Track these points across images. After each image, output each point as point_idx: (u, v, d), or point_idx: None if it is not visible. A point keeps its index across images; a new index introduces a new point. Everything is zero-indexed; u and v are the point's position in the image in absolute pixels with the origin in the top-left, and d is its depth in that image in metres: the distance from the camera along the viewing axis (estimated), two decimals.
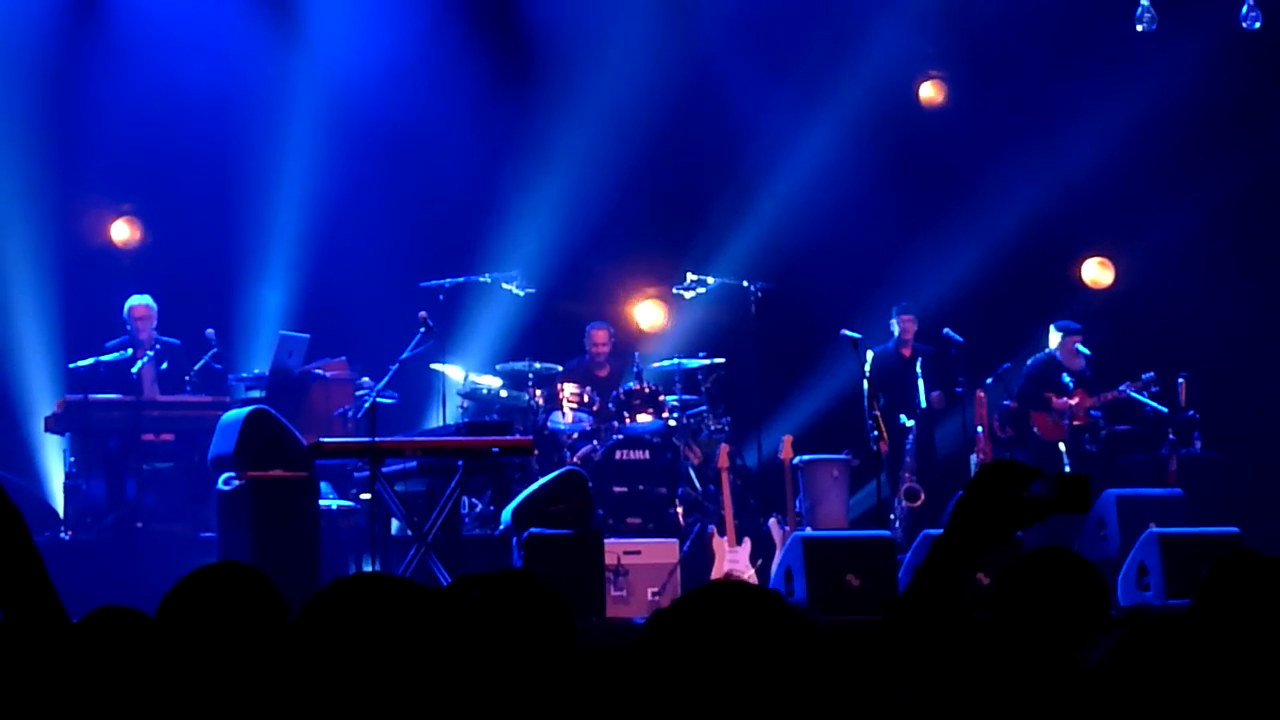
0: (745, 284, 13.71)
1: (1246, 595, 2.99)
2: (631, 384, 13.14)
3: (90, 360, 12.41)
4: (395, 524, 11.15)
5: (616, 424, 12.88)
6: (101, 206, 14.38)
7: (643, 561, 11.06)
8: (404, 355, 11.66)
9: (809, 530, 11.70)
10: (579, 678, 2.90)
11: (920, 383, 13.41)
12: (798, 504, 12.31)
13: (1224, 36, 13.58)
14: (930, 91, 15.55)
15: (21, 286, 13.59)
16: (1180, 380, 13.47)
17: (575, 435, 12.93)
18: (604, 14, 14.64)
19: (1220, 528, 11.05)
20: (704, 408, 13.44)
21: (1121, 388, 13.40)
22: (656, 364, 13.80)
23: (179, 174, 14.03)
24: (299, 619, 2.32)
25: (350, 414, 12.41)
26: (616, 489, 12.47)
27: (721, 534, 11.71)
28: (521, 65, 14.80)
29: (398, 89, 14.56)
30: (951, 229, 14.92)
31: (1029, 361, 13.71)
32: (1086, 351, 13.67)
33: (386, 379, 11.67)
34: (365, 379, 12.63)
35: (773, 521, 12.05)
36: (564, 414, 12.94)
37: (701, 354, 13.64)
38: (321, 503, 10.45)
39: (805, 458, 12.52)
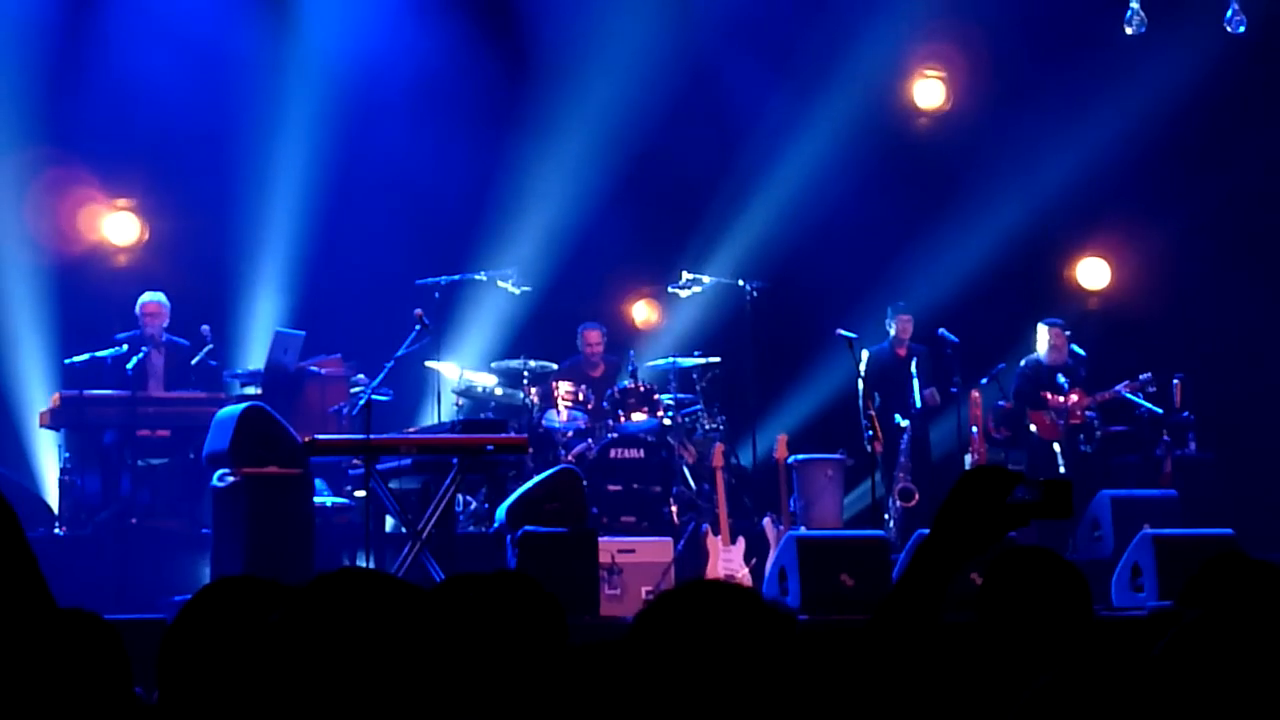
0: (740, 283, 13.73)
1: (1232, 597, 3.00)
2: (626, 382, 13.15)
3: (85, 356, 12.41)
4: (390, 521, 11.16)
5: (611, 422, 12.89)
6: (98, 202, 14.37)
7: (637, 560, 11.06)
8: (399, 352, 11.66)
9: (803, 530, 11.70)
10: (568, 676, 2.91)
11: (915, 383, 13.42)
12: (792, 503, 12.31)
13: (1213, 39, 13.59)
14: (925, 91, 15.57)
15: (18, 282, 13.58)
16: (1175, 381, 13.50)
17: (570, 433, 12.94)
18: (600, 12, 14.64)
19: (1214, 529, 11.06)
20: (699, 406, 13.45)
21: (1117, 388, 13.41)
22: (651, 362, 13.82)
23: (176, 170, 14.03)
24: (284, 613, 2.32)
25: (345, 411, 12.43)
26: (611, 487, 12.47)
27: (716, 533, 11.72)
28: (518, 63, 14.80)
29: (394, 85, 14.57)
30: (946, 229, 14.92)
31: (1023, 362, 13.72)
32: (1081, 352, 13.68)
33: (382, 376, 11.67)
34: (360, 376, 12.64)
35: (767, 521, 12.05)
36: (559, 412, 12.94)
37: (696, 353, 13.66)
38: (316, 499, 10.46)
39: (800, 457, 12.53)
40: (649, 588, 10.91)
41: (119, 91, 13.84)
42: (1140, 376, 13.39)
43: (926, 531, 2.74)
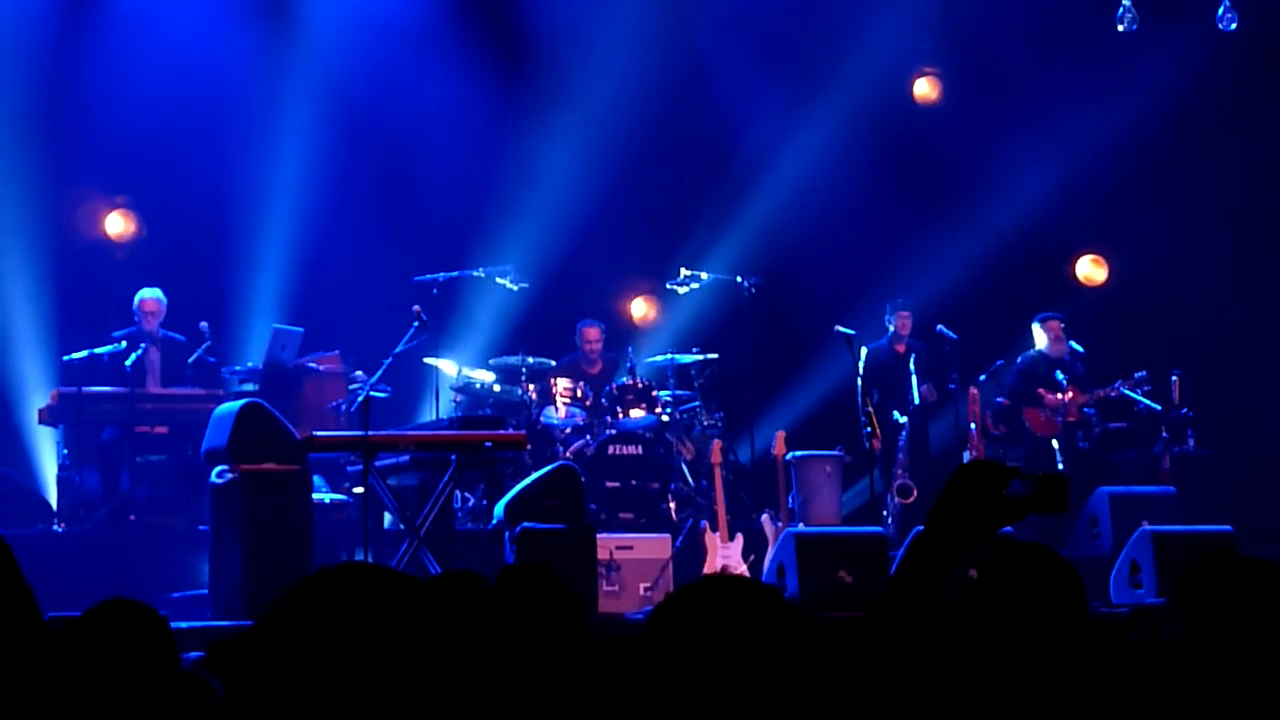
0: (739, 279, 13.73)
1: (1224, 595, 2.99)
2: (625, 379, 13.15)
3: (84, 353, 12.41)
4: (388, 518, 11.15)
5: (609, 419, 12.89)
6: (96, 199, 14.38)
7: (635, 556, 11.07)
8: (397, 349, 11.67)
9: (801, 526, 11.70)
10: (587, 670, 2.91)
11: (914, 379, 13.43)
12: (790, 500, 12.31)
13: (1205, 37, 13.60)
14: (924, 88, 15.58)
15: (16, 279, 13.58)
16: (1174, 378, 13.50)
17: (568, 430, 12.94)
18: (598, 9, 14.64)
19: (1213, 525, 11.06)
20: (697, 403, 13.45)
21: (1115, 385, 13.41)
22: (650, 359, 13.82)
23: (174, 167, 14.02)
24: (281, 607, 2.32)
25: (343, 408, 12.43)
26: (609, 484, 12.47)
27: (714, 529, 11.72)
28: (516, 59, 14.80)
29: (392, 83, 14.56)
30: (945, 225, 14.93)
31: (1020, 358, 13.72)
32: (1079, 348, 13.68)
33: (380, 373, 11.68)
34: (359, 373, 12.64)
35: (765, 517, 12.06)
36: (557, 409, 12.94)
37: (695, 349, 13.66)
38: (314, 496, 10.45)
39: (798, 453, 12.52)
40: (647, 584, 10.92)
41: (119, 89, 13.84)
42: (1135, 375, 13.39)
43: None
